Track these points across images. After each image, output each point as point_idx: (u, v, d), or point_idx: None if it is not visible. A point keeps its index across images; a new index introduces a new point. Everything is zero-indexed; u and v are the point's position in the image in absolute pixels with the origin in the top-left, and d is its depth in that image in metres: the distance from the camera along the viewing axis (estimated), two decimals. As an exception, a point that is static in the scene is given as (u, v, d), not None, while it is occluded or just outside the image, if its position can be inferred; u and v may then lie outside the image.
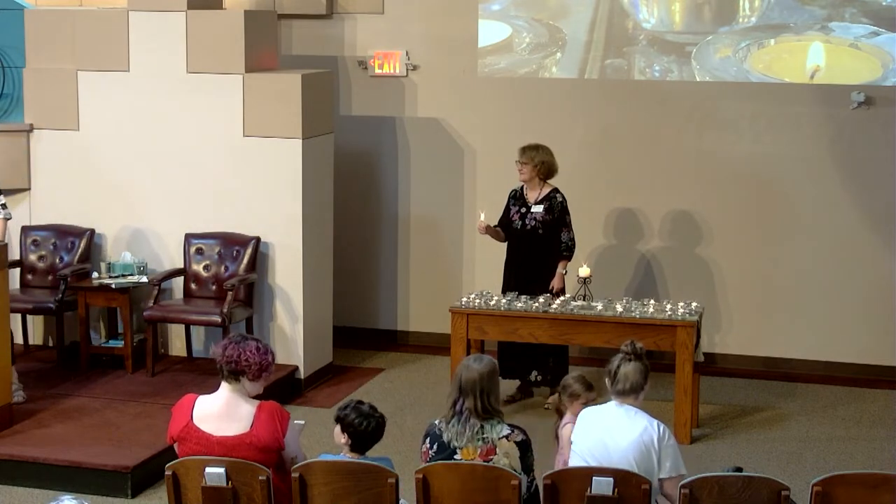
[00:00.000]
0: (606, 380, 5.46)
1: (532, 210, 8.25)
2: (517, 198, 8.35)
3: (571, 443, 5.47)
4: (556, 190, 8.29)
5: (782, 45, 9.02)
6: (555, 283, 8.23)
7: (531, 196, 8.29)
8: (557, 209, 8.24)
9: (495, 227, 8.35)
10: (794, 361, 9.20)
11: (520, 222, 8.28)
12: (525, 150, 8.26)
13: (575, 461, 5.36)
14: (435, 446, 5.22)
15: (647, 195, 9.33)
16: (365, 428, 5.24)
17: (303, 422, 5.67)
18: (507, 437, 5.18)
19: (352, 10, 9.75)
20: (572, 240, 8.28)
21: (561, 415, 6.09)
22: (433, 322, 9.62)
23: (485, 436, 5.16)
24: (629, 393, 5.39)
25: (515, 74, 9.52)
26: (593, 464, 5.25)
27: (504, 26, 9.48)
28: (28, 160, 8.97)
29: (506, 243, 8.42)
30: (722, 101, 9.17)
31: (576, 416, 5.66)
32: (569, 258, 8.30)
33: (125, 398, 8.02)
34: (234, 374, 5.25)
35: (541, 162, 8.21)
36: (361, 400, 5.40)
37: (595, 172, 9.37)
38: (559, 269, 8.27)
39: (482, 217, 8.32)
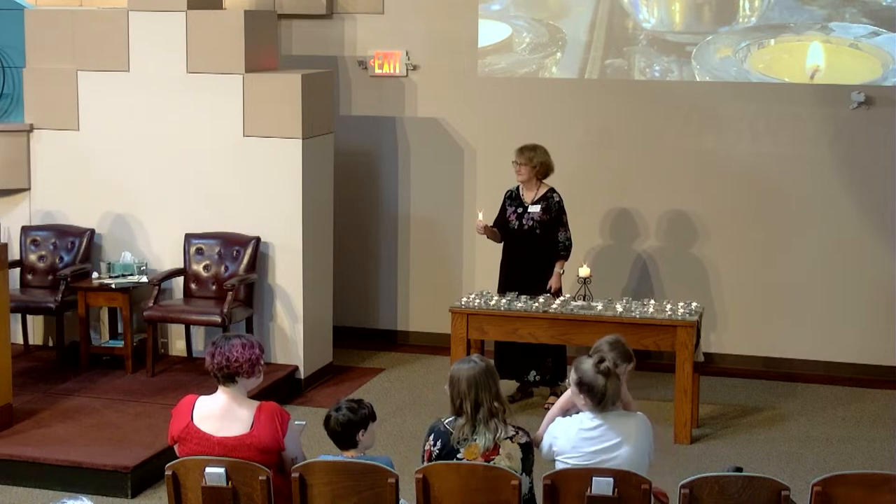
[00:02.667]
0: (582, 396, 5.34)
1: (529, 210, 8.25)
2: (513, 198, 8.35)
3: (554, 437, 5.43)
4: (552, 190, 8.30)
5: (782, 45, 9.01)
6: (553, 283, 8.24)
7: (528, 196, 8.29)
8: (555, 209, 8.24)
9: (491, 227, 8.35)
10: (794, 361, 9.20)
11: (517, 222, 8.27)
12: (522, 150, 8.25)
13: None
14: (439, 443, 5.22)
15: (646, 195, 9.33)
16: (328, 425, 5.21)
17: (304, 422, 5.66)
18: (511, 438, 5.18)
19: (352, 10, 9.75)
20: (569, 239, 8.29)
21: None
22: (433, 322, 9.62)
23: (497, 435, 5.16)
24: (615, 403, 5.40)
25: (515, 74, 9.52)
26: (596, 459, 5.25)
27: (504, 26, 9.48)
28: (28, 160, 8.98)
29: (501, 243, 8.42)
30: (722, 101, 9.17)
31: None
32: (566, 258, 8.30)
33: (125, 398, 8.02)
34: (230, 378, 5.24)
35: (539, 163, 8.22)
36: (351, 399, 5.38)
37: (595, 172, 9.37)
38: (557, 269, 8.27)
39: (480, 217, 8.32)
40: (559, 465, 5.34)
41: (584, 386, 5.31)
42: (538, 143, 8.33)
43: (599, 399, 5.28)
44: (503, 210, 8.37)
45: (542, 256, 8.26)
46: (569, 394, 5.55)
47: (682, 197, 9.28)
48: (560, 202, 8.26)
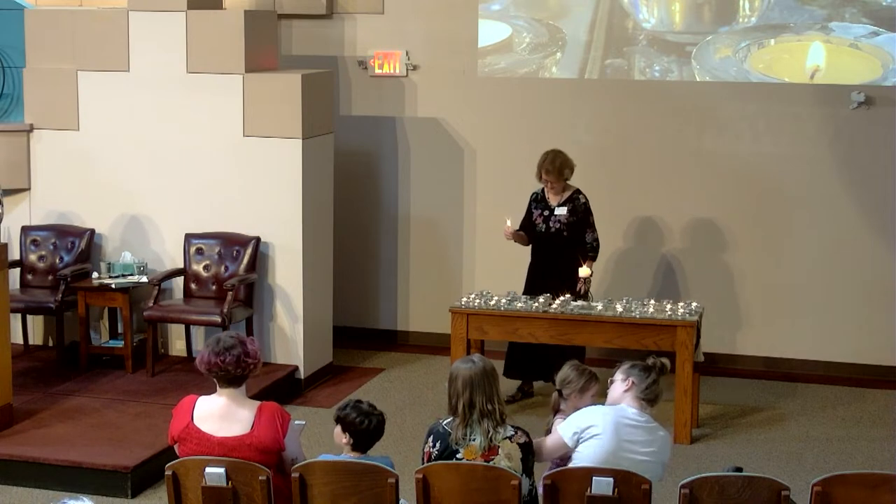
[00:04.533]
0: (632, 379, 5.45)
1: (556, 212, 8.24)
2: (539, 200, 8.33)
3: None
4: (578, 191, 8.28)
5: (782, 45, 9.02)
6: (581, 285, 8.25)
7: (554, 199, 8.27)
8: (581, 210, 8.23)
9: (518, 230, 8.33)
10: (794, 361, 9.20)
11: (543, 225, 8.26)
12: (550, 170, 8.15)
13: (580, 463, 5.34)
14: (438, 444, 5.22)
15: (646, 195, 9.33)
16: (367, 427, 5.24)
17: (303, 422, 5.67)
18: (510, 438, 5.18)
19: (352, 10, 9.75)
20: (597, 240, 8.28)
21: (556, 412, 5.76)
22: (433, 322, 9.62)
23: (490, 436, 5.16)
24: (654, 403, 5.49)
25: (515, 74, 9.52)
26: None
27: (504, 26, 9.48)
28: (28, 160, 8.98)
29: (529, 246, 8.39)
30: (722, 101, 9.17)
31: (578, 409, 5.60)
32: (594, 258, 8.29)
33: (125, 398, 8.02)
34: (243, 378, 5.25)
35: (565, 169, 8.20)
36: (360, 399, 5.40)
37: (594, 173, 9.35)
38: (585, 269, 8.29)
39: (508, 223, 8.27)
40: (592, 446, 5.32)
41: (633, 372, 5.45)
42: (548, 148, 8.30)
43: (644, 387, 5.39)
44: (529, 212, 8.35)
45: (568, 258, 8.21)
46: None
47: (682, 197, 9.27)
48: (586, 203, 8.25)
